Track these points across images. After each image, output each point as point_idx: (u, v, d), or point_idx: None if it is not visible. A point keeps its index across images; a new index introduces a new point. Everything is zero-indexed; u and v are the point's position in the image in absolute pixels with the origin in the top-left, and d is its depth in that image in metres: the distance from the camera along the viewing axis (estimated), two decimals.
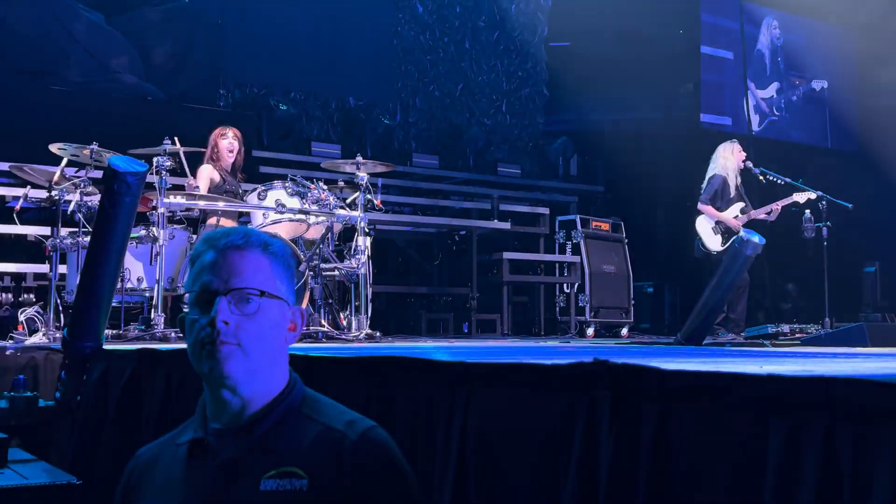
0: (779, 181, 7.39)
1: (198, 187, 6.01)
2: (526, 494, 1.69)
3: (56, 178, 5.38)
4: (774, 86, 12.47)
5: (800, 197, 7.27)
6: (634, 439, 1.49)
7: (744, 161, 7.38)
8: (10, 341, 5.06)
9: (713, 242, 7.21)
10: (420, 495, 1.71)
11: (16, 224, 6.02)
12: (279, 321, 1.71)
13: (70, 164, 5.51)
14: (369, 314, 5.80)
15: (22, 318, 5.52)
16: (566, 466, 1.58)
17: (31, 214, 6.33)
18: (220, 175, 6.23)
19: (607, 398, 1.55)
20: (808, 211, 7.31)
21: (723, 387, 1.40)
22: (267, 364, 1.68)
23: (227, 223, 6.03)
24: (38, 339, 5.10)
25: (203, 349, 1.64)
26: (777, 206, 7.24)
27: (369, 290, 5.86)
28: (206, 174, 6.21)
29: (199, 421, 1.73)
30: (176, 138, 5.63)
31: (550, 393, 1.68)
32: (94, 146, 5.35)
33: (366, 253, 5.81)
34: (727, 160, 7.41)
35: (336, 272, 5.81)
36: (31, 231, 6.18)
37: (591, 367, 1.60)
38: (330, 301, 5.97)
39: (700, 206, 7.31)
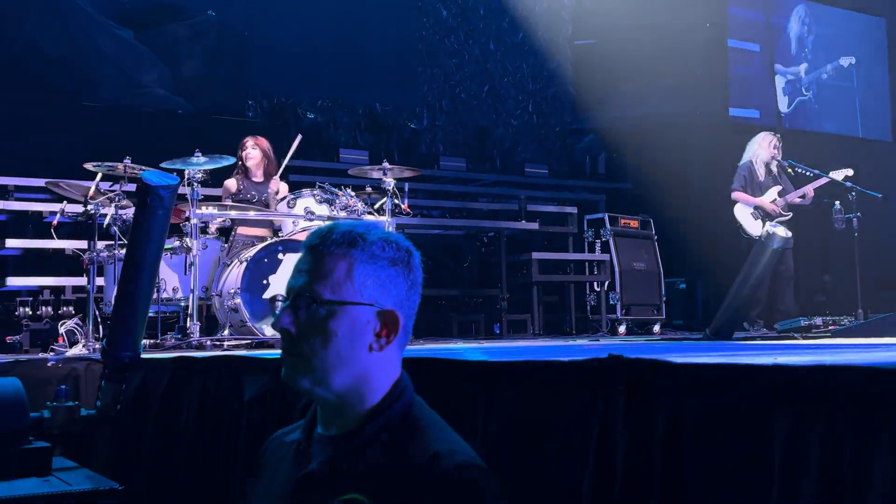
0: (807, 173, 7.37)
1: (227, 198, 6.13)
2: (546, 488, 1.74)
3: (91, 192, 5.52)
4: (804, 66, 12.35)
5: (836, 174, 7.26)
6: (649, 431, 1.54)
7: (773, 157, 7.41)
8: (52, 353, 5.20)
9: (754, 228, 7.28)
10: None
11: (53, 239, 6.17)
12: (356, 327, 1.54)
13: (104, 178, 5.64)
14: None
15: (62, 330, 5.66)
16: (584, 458, 1.63)
17: (68, 229, 6.48)
18: (239, 185, 6.32)
19: (622, 392, 1.60)
20: (838, 202, 7.28)
21: (731, 378, 1.44)
22: (345, 373, 1.54)
23: (253, 231, 6.14)
24: (78, 350, 5.23)
25: (280, 356, 1.58)
26: (809, 189, 7.26)
27: None
28: (225, 188, 6.34)
29: (307, 422, 1.65)
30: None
31: (568, 389, 1.73)
32: (128, 161, 5.48)
33: None
34: (759, 148, 7.50)
35: None
36: (69, 245, 6.32)
37: (606, 363, 1.65)
38: None
39: (733, 195, 7.40)
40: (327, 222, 5.65)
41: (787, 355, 2.14)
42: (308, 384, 1.54)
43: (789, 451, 1.30)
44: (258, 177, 6.40)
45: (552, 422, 1.74)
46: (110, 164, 5.48)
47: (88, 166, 5.54)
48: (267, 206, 6.20)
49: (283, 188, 6.46)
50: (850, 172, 7.25)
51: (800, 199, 7.30)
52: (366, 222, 1.66)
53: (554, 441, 1.73)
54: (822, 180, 7.28)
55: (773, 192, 7.33)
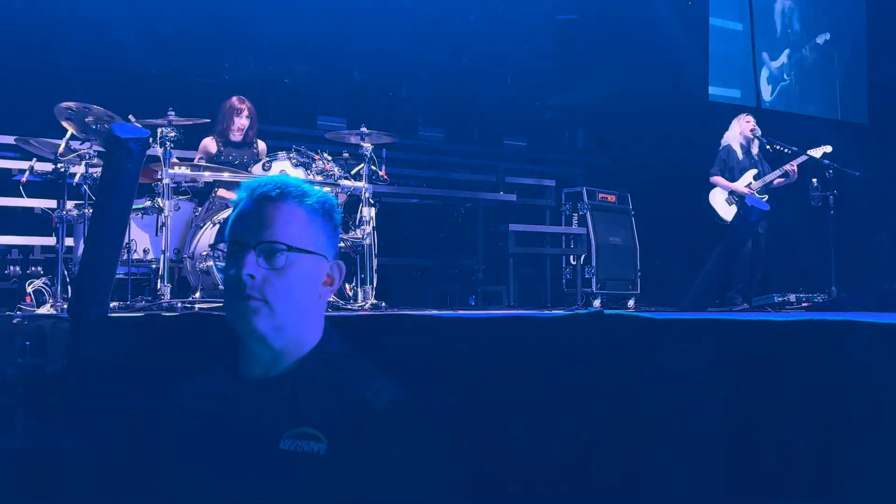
0: (785, 150, 7.38)
1: (203, 158, 5.99)
2: (525, 441, 1.70)
3: (61, 150, 5.39)
4: (786, 52, 12.36)
5: (815, 152, 7.27)
6: (630, 385, 1.50)
7: (751, 131, 7.41)
8: (18, 312, 5.09)
9: (728, 213, 7.25)
10: (447, 471, 1.63)
11: (22, 197, 6.04)
12: (312, 276, 1.67)
13: (74, 136, 5.51)
14: (374, 285, 5.82)
15: (30, 289, 5.56)
16: (566, 411, 1.59)
17: (37, 187, 6.33)
18: (218, 146, 6.20)
19: (603, 347, 1.56)
20: (815, 180, 7.30)
21: (710, 332, 1.40)
22: (297, 319, 1.65)
23: (229, 195, 6.02)
24: (46, 310, 5.13)
25: (232, 303, 1.63)
26: (793, 166, 7.26)
27: (374, 261, 5.88)
28: (202, 147, 6.21)
29: (232, 370, 1.71)
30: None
31: (551, 342, 1.69)
32: (101, 109, 5.32)
33: (370, 223, 5.81)
34: (732, 130, 7.50)
35: (342, 243, 5.81)
36: (38, 204, 6.20)
37: (588, 318, 1.61)
38: None
39: (711, 178, 7.39)
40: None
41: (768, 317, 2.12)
42: (266, 329, 1.62)
43: (773, 403, 1.26)
44: (237, 139, 6.26)
45: (535, 376, 1.70)
46: (85, 104, 5.29)
47: (63, 105, 5.28)
48: (246, 168, 6.07)
49: (263, 148, 6.36)
50: (828, 149, 7.26)
51: (782, 180, 7.30)
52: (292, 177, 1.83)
53: (536, 394, 1.69)
54: (803, 157, 7.28)
55: (748, 176, 7.31)
